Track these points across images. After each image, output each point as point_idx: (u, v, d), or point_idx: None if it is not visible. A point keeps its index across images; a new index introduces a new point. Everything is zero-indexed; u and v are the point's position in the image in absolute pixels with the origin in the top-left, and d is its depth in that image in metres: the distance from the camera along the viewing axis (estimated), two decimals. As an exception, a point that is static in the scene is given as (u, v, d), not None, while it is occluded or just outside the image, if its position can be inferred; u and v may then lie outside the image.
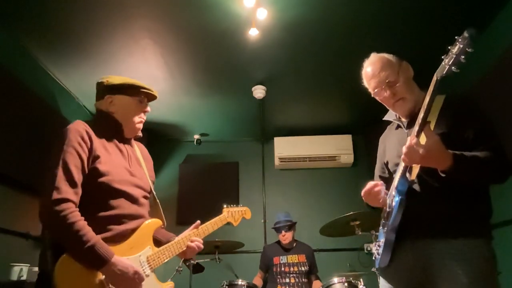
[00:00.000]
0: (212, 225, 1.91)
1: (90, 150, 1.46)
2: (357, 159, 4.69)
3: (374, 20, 2.86)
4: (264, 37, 2.97)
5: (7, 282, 2.50)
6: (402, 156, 1.29)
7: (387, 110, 1.65)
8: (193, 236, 1.78)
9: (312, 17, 2.80)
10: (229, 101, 4.09)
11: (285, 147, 4.65)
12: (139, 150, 1.78)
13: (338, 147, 4.62)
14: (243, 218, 2.17)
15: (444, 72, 1.17)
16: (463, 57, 1.12)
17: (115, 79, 1.66)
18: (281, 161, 4.66)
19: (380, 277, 1.57)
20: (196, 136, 4.85)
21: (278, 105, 4.19)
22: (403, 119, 1.56)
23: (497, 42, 2.78)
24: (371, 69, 1.52)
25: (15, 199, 2.85)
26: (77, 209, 1.37)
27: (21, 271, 2.57)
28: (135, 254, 1.53)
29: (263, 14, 2.68)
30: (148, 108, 1.71)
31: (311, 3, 2.66)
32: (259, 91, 3.76)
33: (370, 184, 1.51)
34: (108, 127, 1.62)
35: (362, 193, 1.52)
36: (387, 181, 1.61)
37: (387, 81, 1.47)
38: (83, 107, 4.05)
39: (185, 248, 1.72)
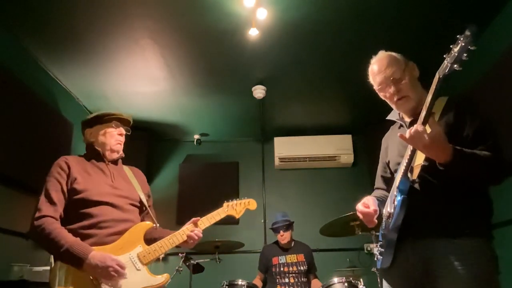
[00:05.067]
0: (208, 219, 1.92)
1: (68, 175, 1.73)
2: (357, 159, 4.68)
3: (374, 20, 2.85)
4: (264, 37, 2.97)
5: (7, 282, 2.50)
6: (406, 136, 1.25)
7: (387, 110, 1.64)
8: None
9: (312, 17, 2.80)
10: (229, 101, 4.09)
11: (285, 147, 4.64)
12: (131, 172, 2.00)
13: (338, 147, 4.62)
14: (246, 210, 2.17)
15: (446, 71, 1.16)
16: (465, 55, 1.11)
17: (90, 115, 1.94)
18: (281, 161, 4.66)
19: (383, 279, 1.57)
20: (196, 136, 4.84)
21: (278, 105, 4.19)
22: (405, 119, 1.56)
23: (498, 40, 2.77)
24: (377, 66, 1.53)
25: (15, 199, 2.85)
26: (57, 221, 1.62)
27: (21, 271, 2.57)
28: (125, 254, 1.66)
29: (263, 14, 2.68)
30: (122, 130, 1.93)
31: (311, 3, 2.66)
32: (259, 91, 3.76)
33: (364, 208, 1.48)
34: (91, 154, 1.88)
35: (360, 215, 1.50)
36: (389, 181, 1.60)
37: (392, 78, 1.47)
38: (83, 107, 4.04)
39: (185, 238, 1.79)
